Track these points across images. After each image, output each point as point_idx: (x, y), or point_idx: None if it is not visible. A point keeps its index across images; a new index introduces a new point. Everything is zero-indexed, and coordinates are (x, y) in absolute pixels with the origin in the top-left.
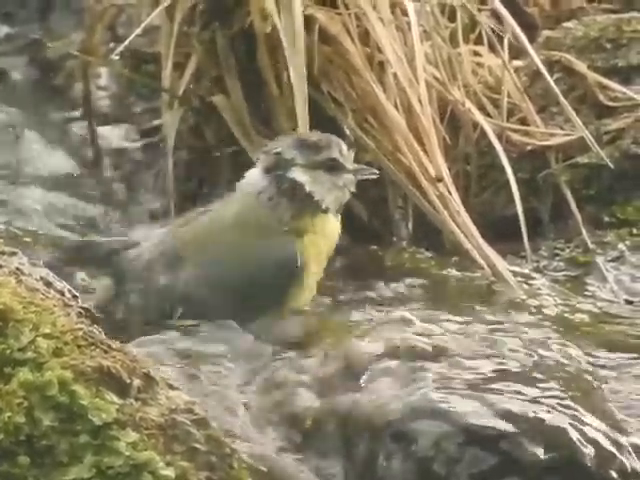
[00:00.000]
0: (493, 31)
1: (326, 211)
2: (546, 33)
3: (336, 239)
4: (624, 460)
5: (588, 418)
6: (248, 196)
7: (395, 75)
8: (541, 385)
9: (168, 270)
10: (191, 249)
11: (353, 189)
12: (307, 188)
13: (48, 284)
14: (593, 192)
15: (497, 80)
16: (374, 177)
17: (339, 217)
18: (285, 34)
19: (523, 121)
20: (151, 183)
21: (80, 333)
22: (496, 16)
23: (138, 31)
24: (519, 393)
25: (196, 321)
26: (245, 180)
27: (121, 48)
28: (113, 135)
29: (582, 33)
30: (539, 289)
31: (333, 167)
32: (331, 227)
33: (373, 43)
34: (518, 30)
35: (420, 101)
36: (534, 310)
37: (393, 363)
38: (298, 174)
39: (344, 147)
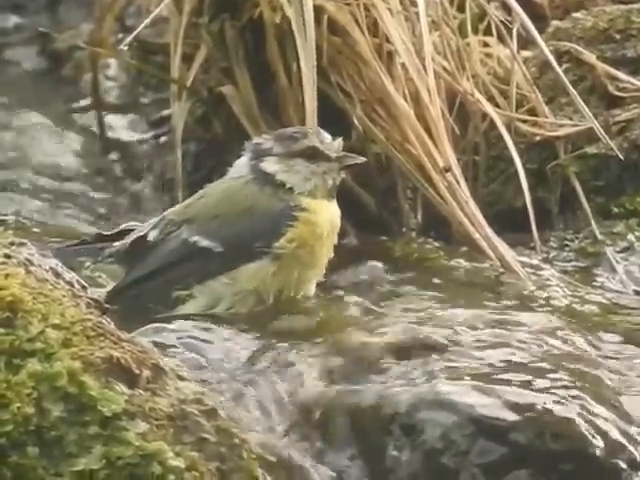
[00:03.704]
0: (502, 22)
1: (301, 195)
2: (555, 24)
3: (335, 222)
4: (633, 450)
5: (597, 409)
6: (236, 181)
7: (404, 65)
8: (550, 376)
9: (169, 237)
10: (190, 215)
11: (337, 176)
12: (278, 177)
13: (57, 275)
14: (602, 183)
15: (506, 71)
16: (360, 163)
17: (334, 201)
18: (295, 24)
19: (532, 112)
20: (159, 174)
21: (89, 324)
22: (505, 7)
23: (147, 22)
24: (528, 384)
25: (203, 311)
26: (233, 169)
27: (130, 39)
28: (122, 125)
29: (591, 24)
30: (548, 280)
31: (312, 155)
32: (325, 210)
33: (382, 33)
34: (527, 21)
35: (429, 91)
36: (543, 301)
37: (402, 354)
38: (269, 164)
39: (326, 137)
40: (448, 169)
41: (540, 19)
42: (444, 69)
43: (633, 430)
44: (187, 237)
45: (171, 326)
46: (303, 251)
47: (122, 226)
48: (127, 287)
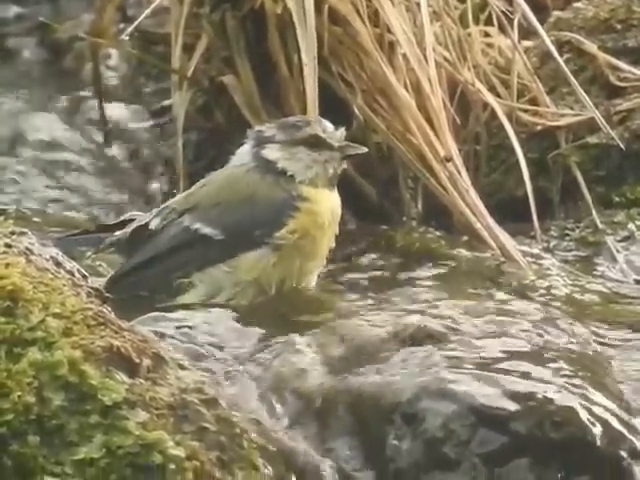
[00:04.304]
0: (503, 12)
1: (302, 184)
2: (556, 14)
3: (336, 211)
4: (634, 440)
5: (598, 398)
6: (238, 169)
7: (405, 56)
8: (551, 365)
9: (170, 225)
10: (192, 203)
11: (339, 165)
12: (279, 164)
13: (58, 264)
14: (603, 172)
15: (507, 61)
16: (362, 153)
17: (335, 191)
18: (296, 14)
19: (533, 101)
20: (161, 163)
21: (90, 313)
22: None
23: (148, 12)
24: (529, 373)
25: (203, 301)
26: (235, 157)
27: (131, 29)
28: (123, 116)
29: (592, 14)
30: (549, 269)
31: (315, 143)
32: (326, 199)
33: (383, 24)
34: (528, 11)
35: (430, 81)
36: (544, 290)
37: (403, 343)
38: (271, 151)
39: (328, 126)
40: (449, 159)
41: (541, 9)
42: (445, 59)
43: (634, 419)
44: (188, 224)
45: (171, 315)
46: (304, 241)
47: (124, 216)
48: (126, 274)
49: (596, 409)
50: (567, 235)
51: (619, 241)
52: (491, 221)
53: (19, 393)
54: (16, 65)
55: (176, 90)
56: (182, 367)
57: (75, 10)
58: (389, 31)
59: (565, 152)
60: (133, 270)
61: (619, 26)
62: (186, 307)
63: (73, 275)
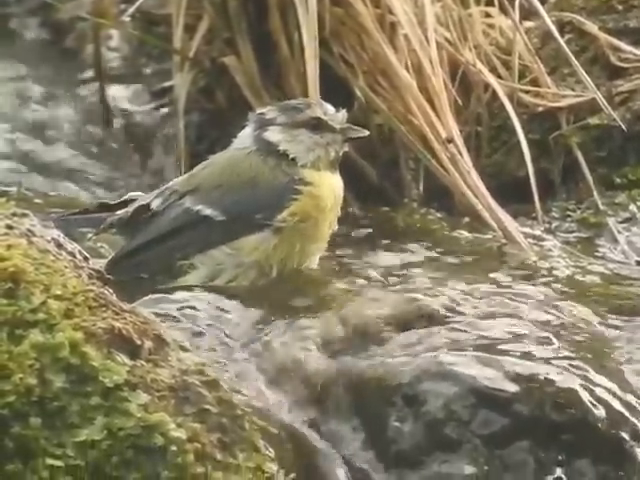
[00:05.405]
0: None
1: (304, 167)
2: None
3: (338, 194)
4: (635, 421)
5: (599, 379)
6: (240, 151)
7: (406, 36)
8: (552, 347)
9: (171, 206)
10: (193, 185)
11: (340, 148)
12: (281, 147)
13: (59, 246)
14: (604, 153)
15: (508, 41)
16: (363, 136)
17: (337, 173)
18: None
19: (534, 82)
20: (162, 144)
21: (91, 295)
22: None
23: None
24: (530, 354)
25: (204, 283)
26: (237, 139)
27: (132, 10)
28: (124, 96)
29: None
30: (550, 250)
31: (316, 126)
32: (328, 182)
33: (384, 4)
34: None
35: (431, 62)
36: (545, 271)
37: (404, 326)
38: (272, 134)
39: (330, 108)
40: (450, 140)
41: None
42: (446, 40)
43: (635, 401)
44: (190, 206)
45: (173, 297)
46: (306, 224)
47: (125, 196)
48: (127, 256)
49: (598, 391)
50: (568, 216)
51: (620, 222)
52: (492, 202)
53: (20, 375)
54: (18, 46)
55: (177, 71)
56: (183, 349)
57: None
58: (390, 12)
59: (566, 133)
60: (134, 252)
61: (620, 7)
62: (187, 289)
63: (74, 257)
